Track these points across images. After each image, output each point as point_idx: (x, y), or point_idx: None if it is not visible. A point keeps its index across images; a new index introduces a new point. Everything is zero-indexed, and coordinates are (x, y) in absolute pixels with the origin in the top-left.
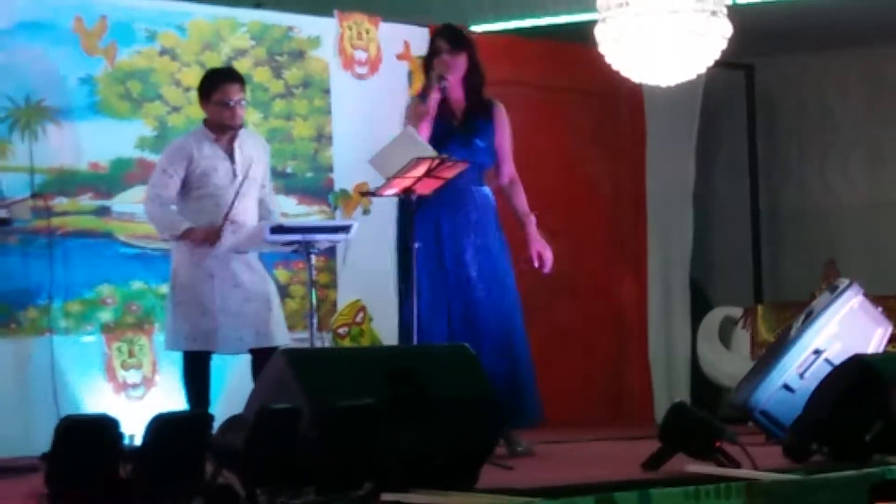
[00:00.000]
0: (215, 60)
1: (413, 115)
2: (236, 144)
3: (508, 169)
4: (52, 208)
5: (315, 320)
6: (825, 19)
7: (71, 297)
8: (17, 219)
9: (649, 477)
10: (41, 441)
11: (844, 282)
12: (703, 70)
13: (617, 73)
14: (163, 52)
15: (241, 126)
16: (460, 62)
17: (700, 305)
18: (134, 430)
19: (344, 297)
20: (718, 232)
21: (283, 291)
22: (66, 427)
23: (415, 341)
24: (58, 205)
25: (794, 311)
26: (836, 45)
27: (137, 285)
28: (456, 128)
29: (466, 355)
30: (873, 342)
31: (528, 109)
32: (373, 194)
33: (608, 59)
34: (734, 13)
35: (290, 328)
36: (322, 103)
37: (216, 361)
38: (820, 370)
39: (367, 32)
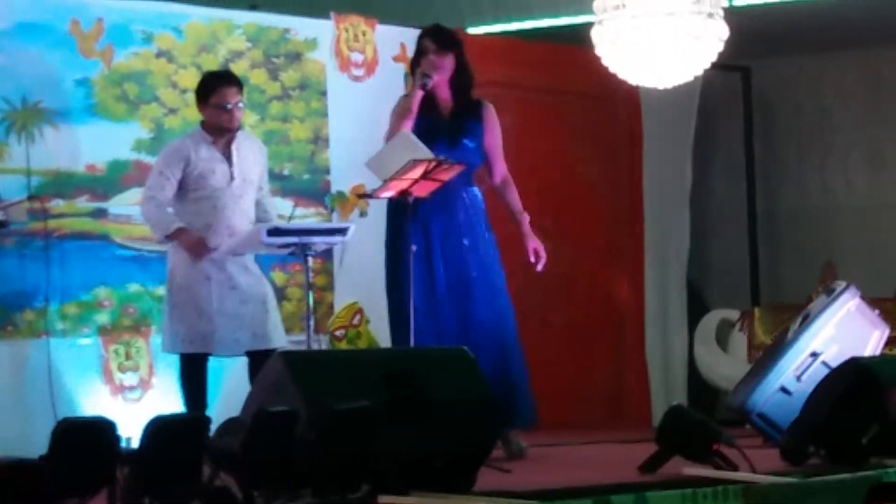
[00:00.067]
0: (212, 62)
1: (396, 114)
2: (234, 147)
3: (500, 169)
4: (49, 210)
5: (312, 322)
6: (822, 21)
7: (67, 300)
8: (14, 221)
9: (646, 480)
10: (38, 443)
11: (841, 284)
12: (699, 72)
13: (614, 76)
14: (159, 55)
15: (238, 129)
16: (447, 62)
17: (697, 308)
18: (131, 432)
19: (341, 300)
20: (715, 234)
21: (280, 294)
22: (63, 430)
23: (411, 343)
24: (54, 207)
25: (791, 314)
26: (833, 46)
27: (134, 287)
28: (443, 127)
29: (464, 358)
30: (870, 345)
31: (524, 111)
32: (370, 196)
33: (605, 62)
34: (731, 15)
35: (287, 330)
36: (319, 105)
37: (213, 364)
38: (817, 373)
39: (364, 34)
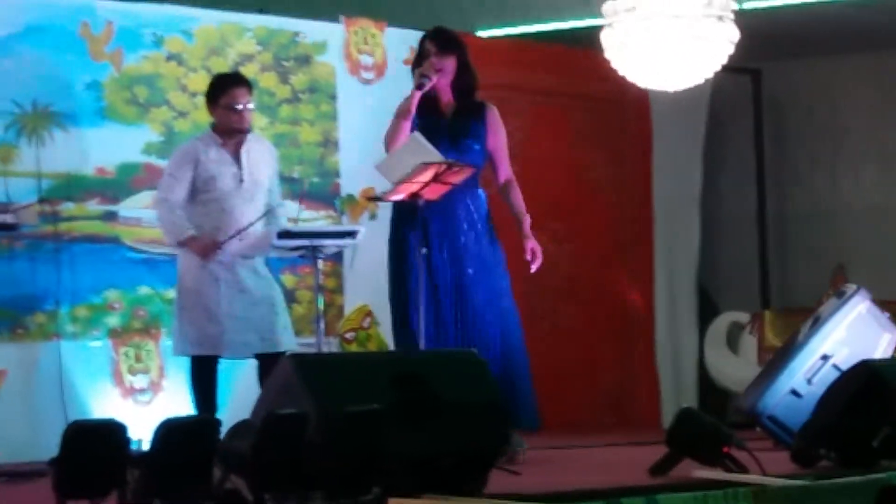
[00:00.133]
0: (222, 66)
1: (395, 115)
2: (243, 149)
3: (505, 170)
4: (59, 213)
5: (322, 325)
6: (833, 24)
7: (78, 303)
8: (24, 224)
9: (657, 482)
10: (49, 446)
11: (852, 287)
12: (709, 75)
13: (623, 79)
14: (169, 58)
15: (249, 130)
16: (448, 64)
17: (707, 311)
18: (141, 435)
19: (351, 302)
20: (726, 237)
21: (290, 296)
22: (73, 432)
23: (421, 345)
24: (65, 210)
25: (801, 317)
26: (844, 49)
27: (144, 290)
28: (444, 128)
29: (474, 361)
30: (881, 348)
31: (533, 115)
32: (379, 199)
33: (614, 65)
34: (741, 18)
35: (297, 333)
36: (328, 108)
37: (223, 366)
38: (827, 376)
39: (373, 37)
